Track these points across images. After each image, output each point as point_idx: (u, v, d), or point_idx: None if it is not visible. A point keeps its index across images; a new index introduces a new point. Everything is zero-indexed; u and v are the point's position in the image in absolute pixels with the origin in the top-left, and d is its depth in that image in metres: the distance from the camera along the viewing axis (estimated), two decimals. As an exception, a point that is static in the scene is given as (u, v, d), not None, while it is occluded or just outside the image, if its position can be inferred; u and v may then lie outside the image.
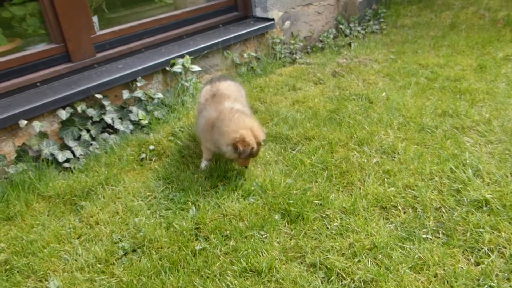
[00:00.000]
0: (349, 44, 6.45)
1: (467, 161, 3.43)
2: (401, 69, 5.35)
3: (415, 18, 7.28)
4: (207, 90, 3.81)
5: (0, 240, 3.15)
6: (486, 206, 2.98)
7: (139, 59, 4.85)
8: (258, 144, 3.34)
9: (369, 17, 7.22)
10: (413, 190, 3.22)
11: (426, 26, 6.88)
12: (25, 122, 3.80)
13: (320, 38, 6.73)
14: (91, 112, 4.25)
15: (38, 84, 4.21)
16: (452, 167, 3.38)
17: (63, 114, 4.06)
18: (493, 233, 2.76)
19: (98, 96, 4.26)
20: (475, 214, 2.92)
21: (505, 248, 2.65)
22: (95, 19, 4.76)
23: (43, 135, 3.97)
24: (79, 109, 4.16)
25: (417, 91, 4.69)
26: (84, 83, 4.25)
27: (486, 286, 2.42)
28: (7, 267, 2.91)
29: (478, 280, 2.47)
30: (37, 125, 3.90)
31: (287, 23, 6.31)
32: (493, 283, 2.43)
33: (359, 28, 6.91)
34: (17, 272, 2.86)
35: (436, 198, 3.11)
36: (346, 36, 6.76)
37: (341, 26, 6.87)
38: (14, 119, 3.76)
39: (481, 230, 2.78)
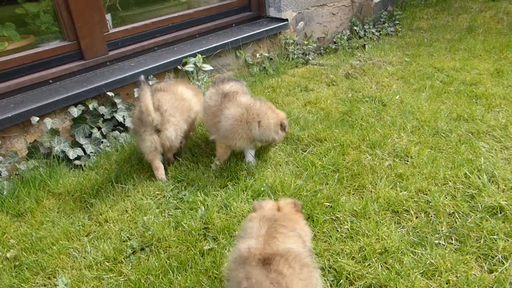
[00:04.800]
0: (363, 46, 6.39)
1: (482, 167, 3.36)
2: (416, 72, 5.28)
3: (431, 21, 7.19)
4: (212, 93, 3.77)
5: (10, 236, 3.16)
6: (501, 212, 2.92)
7: (152, 58, 4.86)
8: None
9: (384, 19, 7.15)
10: (426, 194, 3.16)
11: (443, 29, 6.79)
12: (37, 118, 3.81)
13: (334, 40, 6.68)
14: (102, 110, 4.25)
15: (51, 81, 4.23)
16: (467, 172, 3.32)
17: (75, 111, 4.08)
18: (508, 240, 2.69)
19: (110, 94, 4.27)
20: (489, 220, 2.85)
21: (520, 256, 2.58)
22: (108, 17, 4.78)
23: (54, 132, 3.98)
24: (90, 106, 4.17)
25: (432, 95, 4.62)
26: (96, 81, 4.27)
27: (500, 294, 2.36)
28: (17, 263, 2.92)
29: (492, 287, 2.41)
30: (49, 122, 3.91)
31: (301, 23, 6.27)
32: (507, 291, 2.37)
33: (373, 30, 6.84)
34: (26, 268, 2.86)
35: (450, 203, 3.05)
36: (360, 38, 6.71)
37: (355, 28, 6.81)
38: (26, 116, 3.78)
39: (495, 237, 2.72)
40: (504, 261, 2.57)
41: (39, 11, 4.39)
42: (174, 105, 3.73)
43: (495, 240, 2.70)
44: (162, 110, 3.62)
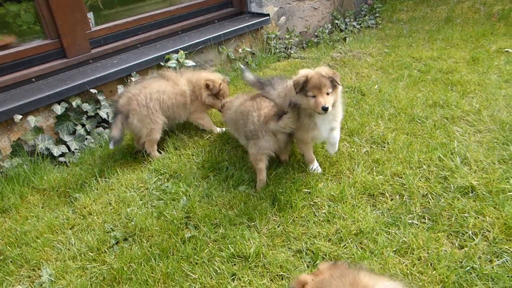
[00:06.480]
0: (344, 39, 6.48)
1: (456, 150, 3.46)
2: (395, 62, 5.38)
3: (411, 13, 7.30)
4: None
5: (-5, 231, 3.21)
6: (472, 192, 3.02)
7: (134, 55, 4.91)
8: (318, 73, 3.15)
9: (365, 12, 7.26)
10: (401, 178, 3.25)
11: (422, 21, 6.91)
12: (20, 116, 3.85)
13: (316, 33, 6.76)
14: (86, 107, 4.30)
15: (33, 79, 4.27)
16: (441, 155, 3.41)
17: (58, 109, 4.12)
18: (478, 217, 2.79)
19: (93, 91, 4.32)
20: (461, 200, 2.95)
21: (489, 231, 2.68)
22: (90, 15, 4.81)
23: (38, 130, 4.03)
24: (74, 104, 4.22)
25: (409, 83, 4.72)
26: (79, 79, 4.31)
27: (468, 267, 2.45)
28: (1, 257, 2.97)
29: (461, 262, 2.50)
30: (32, 120, 3.95)
31: (283, 18, 6.35)
32: (476, 264, 2.46)
33: (354, 23, 6.94)
34: (11, 262, 2.92)
35: (424, 185, 3.15)
36: (341, 31, 6.80)
37: (336, 21, 6.91)
38: (9, 114, 3.82)
39: (466, 215, 2.82)
40: (474, 237, 2.67)
41: (19, 10, 4.41)
42: (155, 98, 3.84)
43: (466, 218, 2.80)
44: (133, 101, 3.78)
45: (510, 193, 2.95)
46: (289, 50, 6.23)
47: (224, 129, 4.20)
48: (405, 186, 3.16)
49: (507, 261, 2.49)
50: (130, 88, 3.94)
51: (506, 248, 2.57)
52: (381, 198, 3.10)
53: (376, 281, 1.69)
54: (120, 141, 3.80)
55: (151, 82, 3.96)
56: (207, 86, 4.06)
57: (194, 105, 4.12)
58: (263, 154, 3.31)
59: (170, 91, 3.95)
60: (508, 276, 2.40)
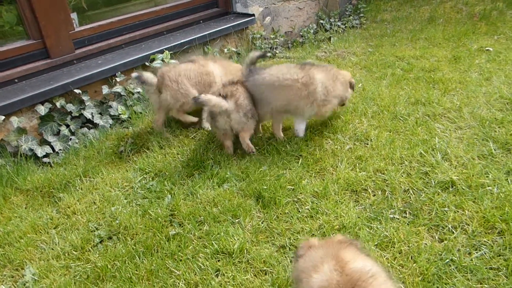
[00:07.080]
0: (329, 39, 6.53)
1: (437, 146, 3.52)
2: (378, 61, 5.43)
3: (394, 13, 7.39)
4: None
5: (-22, 232, 3.19)
6: (452, 187, 3.08)
7: (119, 55, 4.90)
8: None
9: (349, 12, 7.33)
10: (383, 174, 3.30)
11: (405, 20, 6.99)
12: (2, 117, 3.83)
13: (301, 33, 6.81)
14: (70, 107, 4.29)
15: (16, 80, 4.24)
16: (422, 151, 3.47)
17: (42, 109, 4.10)
18: (457, 211, 2.85)
19: (77, 91, 4.30)
20: (441, 194, 3.01)
21: (468, 225, 2.74)
22: (74, 15, 4.80)
23: (21, 130, 4.00)
24: (58, 104, 4.20)
25: (392, 82, 4.78)
26: (63, 79, 4.29)
27: (447, 260, 2.50)
28: (-17, 258, 2.96)
29: (441, 255, 2.55)
30: (15, 121, 3.93)
31: (268, 18, 6.39)
32: (455, 257, 2.51)
33: (339, 23, 7.01)
34: (-7, 262, 2.90)
35: (405, 181, 3.19)
36: (326, 31, 6.86)
37: (321, 21, 6.97)
38: (-9, 115, 3.80)
39: (446, 209, 2.87)
40: (453, 231, 2.72)
41: (1, 10, 4.39)
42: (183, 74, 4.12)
43: (446, 212, 2.85)
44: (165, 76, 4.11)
45: (489, 188, 3.02)
46: (274, 50, 6.27)
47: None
48: (387, 182, 3.20)
49: (485, 253, 2.55)
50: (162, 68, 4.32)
51: (485, 241, 2.63)
52: (363, 193, 3.14)
53: (356, 258, 1.82)
54: (144, 83, 4.10)
55: (179, 63, 4.33)
56: None
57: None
58: (222, 133, 3.76)
59: (196, 69, 4.18)
60: (486, 268, 2.46)
